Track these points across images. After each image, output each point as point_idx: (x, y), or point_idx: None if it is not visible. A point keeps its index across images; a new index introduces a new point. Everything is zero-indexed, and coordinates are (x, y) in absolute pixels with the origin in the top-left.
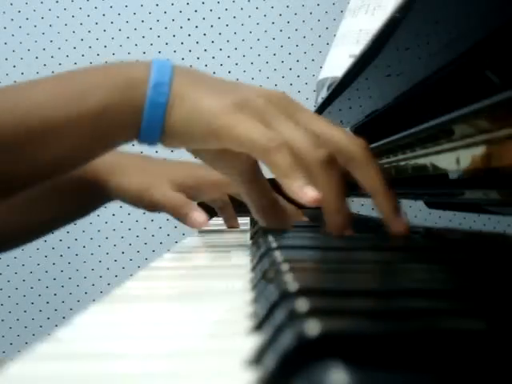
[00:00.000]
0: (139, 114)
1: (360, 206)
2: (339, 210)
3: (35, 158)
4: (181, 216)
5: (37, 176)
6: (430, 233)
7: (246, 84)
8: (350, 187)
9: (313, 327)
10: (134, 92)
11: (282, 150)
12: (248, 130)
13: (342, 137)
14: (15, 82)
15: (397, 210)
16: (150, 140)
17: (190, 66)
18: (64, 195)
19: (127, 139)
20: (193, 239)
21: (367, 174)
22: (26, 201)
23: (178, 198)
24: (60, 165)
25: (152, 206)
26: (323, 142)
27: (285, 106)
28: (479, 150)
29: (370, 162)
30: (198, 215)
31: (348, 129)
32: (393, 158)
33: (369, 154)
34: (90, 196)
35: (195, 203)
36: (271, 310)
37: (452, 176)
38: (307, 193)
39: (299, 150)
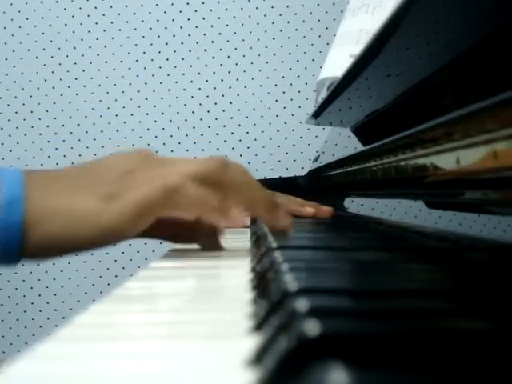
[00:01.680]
0: None
1: (360, 206)
2: (264, 200)
3: None
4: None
5: None
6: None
7: (102, 161)
8: (350, 188)
9: (313, 327)
10: None
11: (177, 189)
12: (136, 202)
13: (202, 161)
14: (15, 82)
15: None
16: (8, 258)
17: (190, 66)
18: None
19: None
20: None
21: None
22: None
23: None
24: None
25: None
26: (205, 161)
27: (148, 160)
28: (479, 150)
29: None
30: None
31: (348, 129)
32: (393, 158)
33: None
34: None
35: None
36: (271, 310)
37: (452, 176)
38: (234, 214)
39: (199, 171)
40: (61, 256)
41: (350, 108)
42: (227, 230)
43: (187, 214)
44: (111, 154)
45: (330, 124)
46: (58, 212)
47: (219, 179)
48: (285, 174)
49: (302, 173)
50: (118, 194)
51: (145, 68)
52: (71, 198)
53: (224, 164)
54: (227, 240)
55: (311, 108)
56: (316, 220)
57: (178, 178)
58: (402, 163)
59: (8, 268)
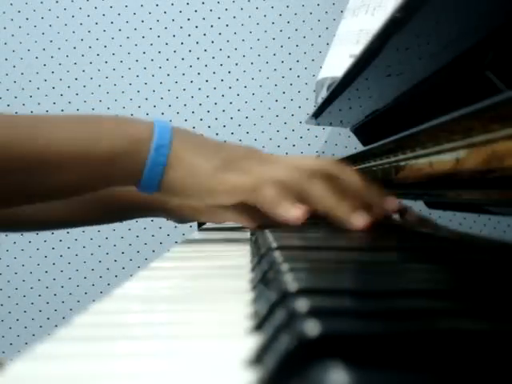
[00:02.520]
0: (141, 170)
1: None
2: (342, 211)
3: (47, 183)
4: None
5: (45, 196)
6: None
7: (231, 143)
8: None
9: (313, 327)
10: (139, 149)
11: (266, 186)
12: (236, 183)
13: (313, 162)
14: (15, 82)
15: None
16: (148, 191)
17: (190, 66)
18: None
19: (127, 184)
20: (193, 239)
21: (346, 183)
22: (74, 203)
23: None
24: (67, 192)
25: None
26: (301, 170)
27: (260, 158)
28: (479, 150)
29: (346, 172)
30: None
31: (348, 129)
32: (393, 158)
33: (342, 166)
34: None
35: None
36: (271, 310)
37: (452, 176)
38: (292, 212)
39: (282, 180)
40: (183, 198)
41: (350, 108)
42: (227, 230)
43: (262, 208)
44: (235, 144)
45: (330, 124)
46: (186, 165)
47: (299, 188)
48: None
49: None
50: (225, 171)
51: (145, 68)
52: (198, 158)
53: (309, 174)
54: (227, 239)
55: (311, 108)
56: (316, 220)
57: (262, 183)
58: (402, 163)
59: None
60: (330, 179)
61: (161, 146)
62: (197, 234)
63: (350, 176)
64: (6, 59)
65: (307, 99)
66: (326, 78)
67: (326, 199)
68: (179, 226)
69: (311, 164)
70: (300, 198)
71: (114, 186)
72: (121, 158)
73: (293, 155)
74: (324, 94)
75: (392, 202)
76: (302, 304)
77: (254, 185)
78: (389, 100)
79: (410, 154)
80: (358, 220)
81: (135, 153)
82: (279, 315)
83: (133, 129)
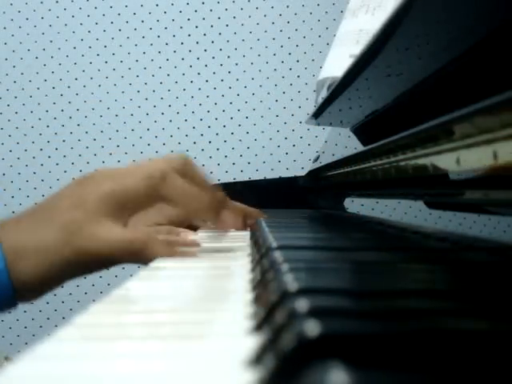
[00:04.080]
0: None
1: (360, 206)
2: (202, 203)
3: None
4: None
5: None
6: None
7: (57, 193)
8: (350, 188)
9: (313, 327)
10: None
11: (151, 240)
12: (110, 242)
13: (156, 164)
14: (15, 82)
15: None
16: (6, 303)
17: (190, 66)
18: None
19: None
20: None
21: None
22: None
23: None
24: None
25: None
26: (144, 177)
27: (96, 179)
28: (479, 150)
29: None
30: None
31: (348, 129)
32: (393, 158)
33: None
34: None
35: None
36: (271, 311)
37: (452, 176)
38: (171, 251)
39: (136, 192)
40: (52, 289)
41: (350, 108)
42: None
43: (176, 208)
44: (64, 186)
45: (330, 124)
46: (28, 250)
47: (158, 195)
48: (285, 174)
49: (302, 173)
50: (76, 223)
51: (145, 68)
52: (34, 235)
53: (161, 177)
54: (227, 240)
55: (311, 108)
56: (316, 220)
57: (161, 168)
58: (402, 163)
59: (7, 313)
60: (186, 174)
61: None
62: (196, 235)
63: (197, 172)
64: (6, 59)
65: (307, 99)
66: (326, 78)
67: (184, 199)
68: None
69: (158, 166)
70: (164, 202)
71: None
72: None
73: (132, 163)
74: (324, 94)
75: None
76: (302, 304)
77: (137, 240)
78: (389, 100)
79: (409, 154)
80: (216, 210)
81: None
82: (279, 315)
83: None
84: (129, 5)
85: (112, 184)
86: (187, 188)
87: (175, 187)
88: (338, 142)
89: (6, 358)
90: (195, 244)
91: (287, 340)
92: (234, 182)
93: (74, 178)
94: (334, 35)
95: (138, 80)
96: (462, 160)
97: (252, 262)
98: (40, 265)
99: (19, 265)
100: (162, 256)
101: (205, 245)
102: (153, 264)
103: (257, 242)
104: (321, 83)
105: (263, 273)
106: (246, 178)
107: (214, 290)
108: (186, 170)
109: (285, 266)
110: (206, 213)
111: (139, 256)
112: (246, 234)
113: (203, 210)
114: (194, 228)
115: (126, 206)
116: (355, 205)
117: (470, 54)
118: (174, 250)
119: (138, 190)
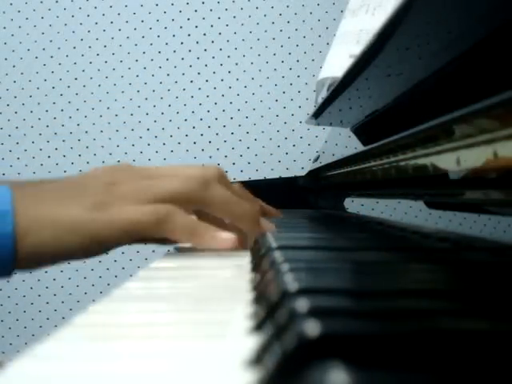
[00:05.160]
0: None
1: (360, 206)
2: (243, 213)
3: None
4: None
5: None
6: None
7: (87, 176)
8: (350, 188)
9: (313, 327)
10: None
11: (172, 216)
12: (130, 217)
13: (199, 169)
14: (15, 82)
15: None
16: (3, 269)
17: (190, 66)
18: None
19: None
20: None
21: (211, 200)
22: None
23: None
24: None
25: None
26: (188, 177)
27: (133, 173)
28: (479, 150)
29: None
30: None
31: (348, 129)
32: (393, 158)
33: (209, 179)
34: None
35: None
36: (271, 310)
37: (452, 176)
38: (223, 237)
39: (180, 192)
40: (52, 264)
41: (350, 108)
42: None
43: (176, 239)
44: (95, 168)
45: (330, 124)
46: (46, 222)
47: (201, 197)
48: (285, 174)
49: (302, 173)
50: (106, 205)
51: (145, 68)
52: (58, 209)
53: (204, 182)
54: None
55: (311, 108)
56: (315, 220)
57: (167, 207)
58: (402, 163)
59: (3, 279)
60: (222, 184)
61: (2, 212)
62: None
63: (230, 182)
64: (6, 59)
65: (307, 99)
66: (326, 78)
67: (225, 206)
68: None
69: (199, 171)
70: (202, 207)
71: None
72: None
73: (168, 166)
74: (324, 94)
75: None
76: (302, 304)
77: (152, 219)
78: (389, 100)
79: (409, 154)
80: (257, 221)
81: None
82: (279, 315)
83: None
84: (129, 5)
85: (151, 181)
86: (229, 195)
87: (218, 193)
88: (337, 142)
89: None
90: (230, 242)
91: (287, 340)
92: (233, 182)
93: None
94: (334, 35)
95: (137, 80)
96: (462, 160)
97: (252, 261)
98: (56, 239)
99: (30, 235)
100: (183, 228)
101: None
102: (153, 264)
103: (257, 242)
104: (321, 83)
105: (263, 273)
106: (246, 178)
107: (213, 290)
108: (223, 179)
109: (285, 266)
110: (247, 221)
111: (162, 226)
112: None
113: (246, 217)
114: None
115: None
116: (355, 205)
117: (470, 54)
118: (196, 228)
119: (179, 190)
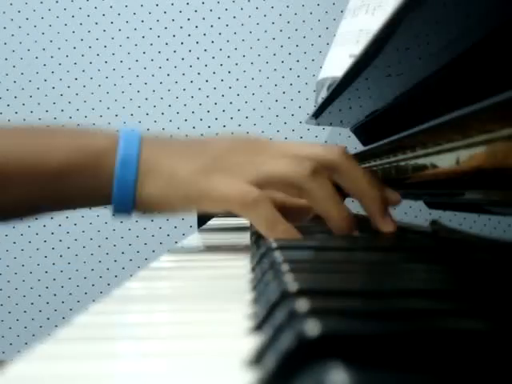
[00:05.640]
0: (107, 187)
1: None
2: (339, 214)
3: None
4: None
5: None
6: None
7: (212, 139)
8: None
9: (313, 327)
10: (100, 163)
11: (259, 204)
12: (223, 190)
13: (317, 150)
14: (15, 82)
15: (384, 210)
16: (122, 213)
17: (190, 66)
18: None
19: (92, 205)
20: (192, 239)
21: (349, 179)
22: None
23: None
24: (22, 208)
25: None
26: (302, 161)
27: (251, 146)
28: (479, 150)
29: (350, 166)
30: None
31: (348, 129)
32: (393, 158)
33: (348, 158)
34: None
35: None
36: (271, 311)
37: (452, 176)
38: (290, 235)
39: (283, 175)
40: (166, 212)
41: (350, 108)
42: (227, 229)
43: (254, 225)
44: (230, 134)
45: (330, 124)
46: (163, 174)
47: (300, 187)
48: None
49: None
50: (211, 172)
51: (145, 68)
52: (175, 164)
53: (313, 171)
54: (227, 240)
55: (311, 108)
56: (316, 220)
57: (257, 194)
58: (402, 163)
59: (124, 219)
60: (333, 172)
61: (128, 157)
62: (196, 235)
63: (355, 171)
64: (6, 59)
65: (307, 99)
66: (326, 78)
67: (324, 202)
68: (179, 226)
69: (314, 154)
70: (298, 194)
71: (74, 205)
72: (75, 172)
73: (291, 141)
74: (324, 94)
75: (395, 199)
76: (302, 304)
77: (244, 200)
78: (389, 100)
79: (409, 154)
80: (349, 227)
81: (95, 167)
82: (279, 315)
83: (90, 140)
84: (129, 5)
85: (262, 159)
86: (330, 195)
87: (320, 188)
88: (338, 142)
89: None
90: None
91: (287, 340)
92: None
93: None
94: (334, 35)
95: (137, 80)
96: (462, 160)
97: (252, 262)
98: (167, 189)
99: (148, 182)
100: (262, 219)
101: (205, 244)
102: (153, 264)
103: (257, 242)
104: (321, 83)
105: (263, 273)
106: None
107: (213, 290)
108: (345, 164)
109: (285, 266)
110: (337, 227)
111: (244, 210)
112: (246, 234)
113: (337, 223)
114: None
115: (269, 183)
116: (355, 205)
117: (470, 54)
118: (275, 224)
119: (282, 175)
